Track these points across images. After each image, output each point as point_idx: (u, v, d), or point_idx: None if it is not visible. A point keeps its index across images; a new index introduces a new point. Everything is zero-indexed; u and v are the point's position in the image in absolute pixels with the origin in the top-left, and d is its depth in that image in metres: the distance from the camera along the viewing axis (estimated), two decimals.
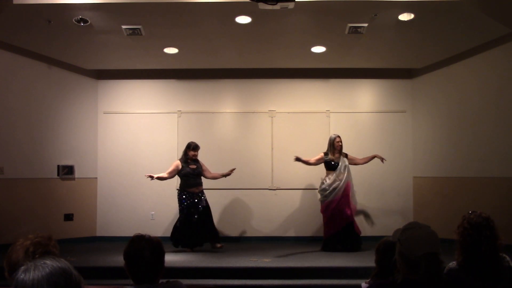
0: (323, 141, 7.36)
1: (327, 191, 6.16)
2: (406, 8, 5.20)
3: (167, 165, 7.33)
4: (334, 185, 6.14)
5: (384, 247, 2.48)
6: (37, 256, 1.73)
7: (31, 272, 1.16)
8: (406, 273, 1.79)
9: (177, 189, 6.25)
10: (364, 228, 7.03)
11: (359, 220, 7.14)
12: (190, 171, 6.14)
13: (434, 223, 5.84)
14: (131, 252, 1.92)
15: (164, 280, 1.97)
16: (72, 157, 7.07)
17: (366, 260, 5.18)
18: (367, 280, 2.65)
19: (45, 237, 1.90)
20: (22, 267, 1.18)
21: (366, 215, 7.17)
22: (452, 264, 2.41)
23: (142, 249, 1.90)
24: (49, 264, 1.18)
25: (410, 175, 7.30)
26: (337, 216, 6.10)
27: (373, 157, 6.33)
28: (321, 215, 7.37)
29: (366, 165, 7.26)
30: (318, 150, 7.29)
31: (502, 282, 2.23)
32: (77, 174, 7.11)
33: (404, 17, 5.36)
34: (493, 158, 6.08)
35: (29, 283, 1.14)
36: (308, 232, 7.16)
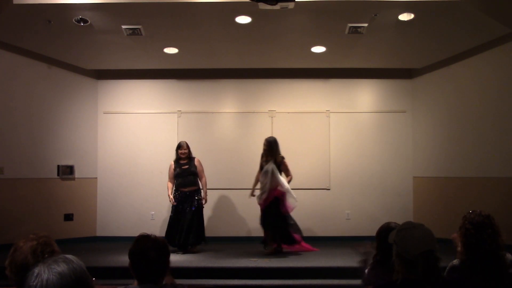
0: (323, 141, 7.39)
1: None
2: (406, 8, 5.20)
3: (166, 165, 7.34)
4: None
5: (383, 232, 2.52)
6: (46, 255, 1.74)
7: (43, 279, 1.14)
8: (405, 273, 1.80)
9: None
10: (364, 228, 7.04)
11: (360, 219, 7.15)
12: (179, 171, 6.12)
13: (434, 223, 5.83)
14: (137, 252, 1.91)
15: (169, 282, 1.97)
16: (72, 157, 7.07)
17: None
18: (369, 268, 2.71)
19: (48, 237, 1.90)
20: (35, 271, 1.16)
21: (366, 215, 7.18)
22: (455, 261, 2.41)
23: (148, 249, 1.90)
24: (60, 272, 1.16)
25: (410, 175, 7.30)
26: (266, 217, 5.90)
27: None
28: (321, 215, 7.40)
29: (366, 165, 7.29)
30: (318, 150, 7.32)
31: (505, 280, 2.24)
32: (77, 174, 7.11)
33: (404, 17, 5.36)
34: (493, 158, 6.08)
35: None
36: (308, 232, 7.14)
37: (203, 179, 6.20)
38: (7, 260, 1.84)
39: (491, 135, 6.12)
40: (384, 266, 2.38)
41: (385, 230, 2.51)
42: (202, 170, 6.22)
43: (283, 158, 5.97)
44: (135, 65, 7.27)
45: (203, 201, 6.15)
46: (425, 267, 1.74)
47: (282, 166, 5.93)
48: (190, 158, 6.19)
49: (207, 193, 6.24)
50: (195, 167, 6.16)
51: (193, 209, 6.02)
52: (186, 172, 6.11)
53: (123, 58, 6.88)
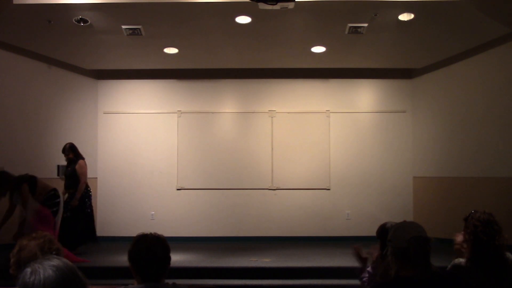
0: (323, 141, 7.39)
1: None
2: (406, 8, 5.20)
3: (166, 165, 7.36)
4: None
5: (383, 231, 2.56)
6: (54, 253, 1.76)
7: (40, 274, 1.14)
8: (399, 269, 1.83)
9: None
10: (364, 228, 7.04)
11: (360, 219, 7.15)
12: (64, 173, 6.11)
13: (434, 223, 5.82)
14: (140, 250, 1.89)
15: (170, 282, 1.96)
16: None
17: None
18: (372, 265, 2.74)
19: (50, 235, 1.93)
20: (29, 269, 1.16)
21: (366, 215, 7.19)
22: (458, 260, 2.42)
23: (152, 247, 1.89)
24: (56, 265, 1.17)
25: (410, 175, 7.30)
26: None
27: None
28: (321, 215, 7.39)
29: (366, 165, 7.29)
30: (318, 150, 7.32)
31: (508, 278, 2.25)
32: None
33: (404, 17, 5.36)
34: (493, 158, 6.08)
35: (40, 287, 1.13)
36: (308, 232, 7.16)
37: (80, 183, 5.90)
38: (12, 259, 1.85)
39: (491, 135, 6.12)
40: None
41: (387, 229, 2.55)
42: (82, 173, 5.93)
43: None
44: (135, 65, 7.27)
45: (74, 203, 5.84)
46: (416, 250, 1.79)
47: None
48: (72, 161, 5.98)
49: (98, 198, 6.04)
50: (74, 170, 5.94)
51: (67, 213, 5.78)
52: (66, 174, 6.05)
53: (123, 58, 6.88)
